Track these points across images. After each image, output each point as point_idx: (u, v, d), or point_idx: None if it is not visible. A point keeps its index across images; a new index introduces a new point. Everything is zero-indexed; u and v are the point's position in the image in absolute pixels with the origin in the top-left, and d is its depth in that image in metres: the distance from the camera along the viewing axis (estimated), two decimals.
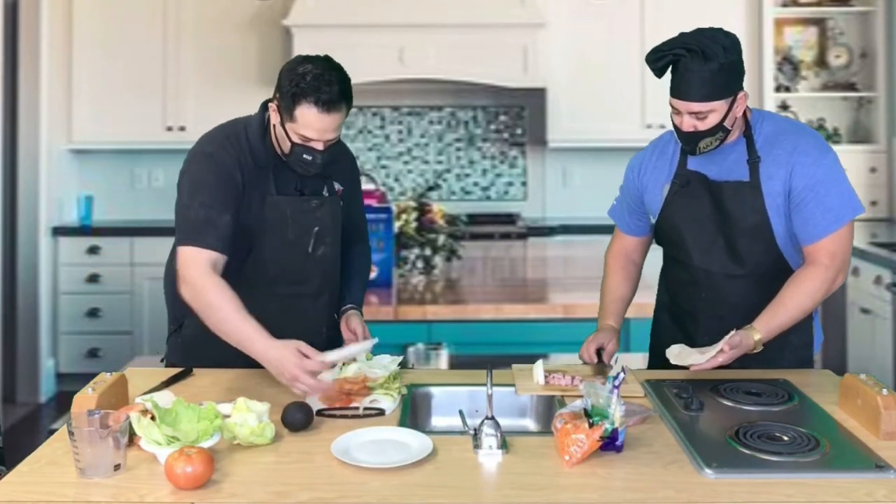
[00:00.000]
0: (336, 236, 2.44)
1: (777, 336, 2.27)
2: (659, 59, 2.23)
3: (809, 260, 2.27)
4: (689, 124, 2.23)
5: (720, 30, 2.23)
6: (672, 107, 2.26)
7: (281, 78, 2.22)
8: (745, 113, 2.31)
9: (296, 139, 2.23)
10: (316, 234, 2.39)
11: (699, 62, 2.16)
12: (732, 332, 2.19)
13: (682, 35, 2.23)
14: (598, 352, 2.40)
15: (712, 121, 2.21)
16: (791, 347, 2.38)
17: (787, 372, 2.33)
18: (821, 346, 2.49)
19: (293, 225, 2.36)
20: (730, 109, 2.21)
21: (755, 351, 2.22)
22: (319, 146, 2.23)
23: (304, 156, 2.24)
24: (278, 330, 2.16)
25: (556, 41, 5.69)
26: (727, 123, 2.23)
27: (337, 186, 2.44)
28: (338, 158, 2.39)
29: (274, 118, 2.27)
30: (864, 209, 2.32)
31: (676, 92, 2.23)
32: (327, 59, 2.24)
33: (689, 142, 2.26)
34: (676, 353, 2.26)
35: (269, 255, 2.36)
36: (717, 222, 2.34)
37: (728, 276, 2.37)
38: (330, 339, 2.42)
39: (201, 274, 2.18)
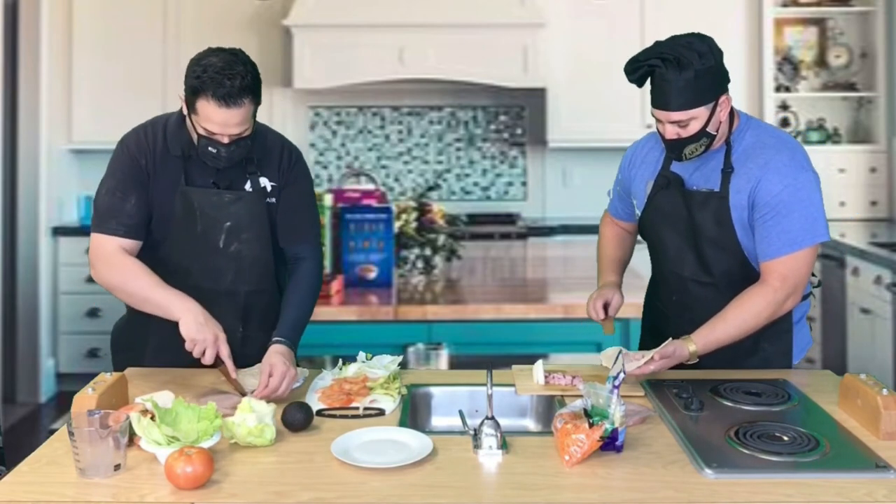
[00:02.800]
0: (256, 234, 2.35)
1: (749, 342, 2.27)
2: (635, 71, 2.22)
3: (761, 279, 2.25)
4: (671, 132, 2.22)
5: (696, 35, 2.21)
6: (654, 116, 2.26)
7: (186, 70, 2.19)
8: (732, 119, 2.29)
9: (201, 131, 2.20)
10: (227, 229, 2.33)
11: (675, 71, 2.15)
12: (667, 342, 2.19)
13: (657, 44, 2.22)
14: (605, 308, 2.42)
15: (694, 127, 2.20)
16: (763, 355, 2.36)
17: (787, 372, 2.33)
18: (807, 351, 2.47)
19: (202, 217, 2.31)
20: (712, 114, 2.20)
21: (690, 362, 2.21)
22: (224, 139, 2.19)
23: (210, 148, 2.20)
24: None
25: (556, 41, 5.68)
26: (710, 129, 2.21)
27: (264, 183, 2.36)
28: (267, 153, 2.35)
29: (184, 109, 2.25)
30: (829, 237, 2.26)
31: (656, 102, 2.22)
32: (234, 52, 2.19)
33: (674, 149, 2.26)
34: (610, 355, 2.25)
35: (180, 246, 2.33)
36: (689, 228, 2.34)
37: (697, 283, 2.37)
38: (245, 338, 2.38)
39: (108, 256, 2.26)
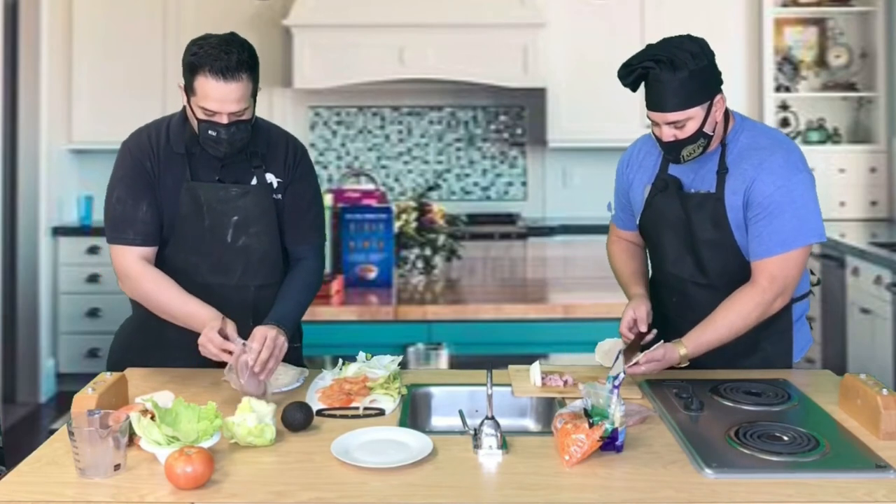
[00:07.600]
0: (264, 228, 2.34)
1: (749, 342, 2.27)
2: (629, 74, 2.22)
3: (751, 279, 2.25)
4: (668, 134, 2.22)
5: (687, 36, 2.22)
6: (650, 119, 2.25)
7: (184, 52, 2.19)
8: (727, 120, 2.29)
9: (200, 115, 2.19)
10: (235, 223, 2.32)
11: (669, 72, 2.15)
12: (658, 345, 2.19)
13: (649, 47, 2.22)
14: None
15: (691, 128, 2.20)
16: (763, 355, 2.36)
17: (787, 372, 2.33)
18: (807, 350, 2.47)
19: (209, 212, 2.30)
20: (708, 114, 2.20)
21: (681, 365, 2.21)
22: (223, 119, 2.18)
23: (210, 131, 2.19)
24: None
25: (556, 41, 5.68)
26: (707, 129, 2.21)
27: (270, 178, 2.36)
28: (272, 149, 2.35)
29: (183, 99, 2.24)
30: (825, 237, 2.26)
31: (651, 104, 2.22)
32: (231, 34, 2.21)
33: (672, 151, 2.25)
34: (606, 350, 2.23)
35: (188, 242, 2.33)
36: (686, 230, 2.34)
37: (696, 284, 2.37)
38: None
39: (131, 267, 2.28)
